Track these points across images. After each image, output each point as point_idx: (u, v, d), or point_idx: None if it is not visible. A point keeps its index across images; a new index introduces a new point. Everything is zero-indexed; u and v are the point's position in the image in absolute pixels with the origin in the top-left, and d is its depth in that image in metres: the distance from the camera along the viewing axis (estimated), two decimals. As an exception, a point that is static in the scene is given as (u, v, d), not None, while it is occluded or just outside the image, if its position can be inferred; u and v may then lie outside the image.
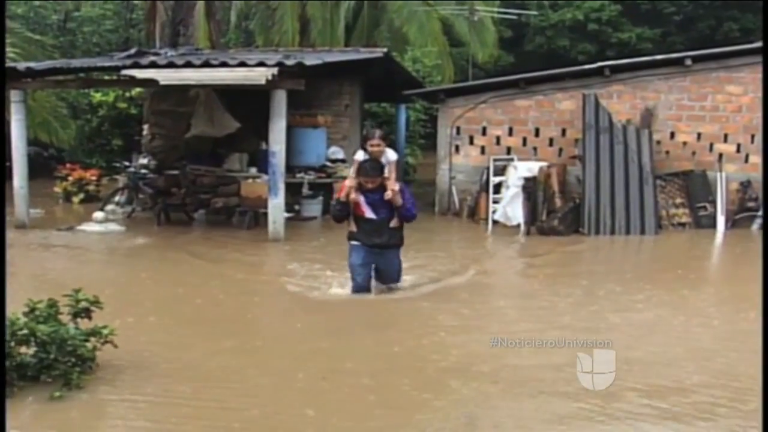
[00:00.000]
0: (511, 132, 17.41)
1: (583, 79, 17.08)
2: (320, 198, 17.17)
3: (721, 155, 16.80)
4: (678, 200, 16.61)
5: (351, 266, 9.65)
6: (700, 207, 16.50)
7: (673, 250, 14.76)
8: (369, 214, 9.41)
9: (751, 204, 16.56)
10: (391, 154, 9.53)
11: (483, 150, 17.38)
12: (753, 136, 16.76)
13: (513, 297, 10.78)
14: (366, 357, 7.38)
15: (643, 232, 15.66)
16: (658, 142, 16.76)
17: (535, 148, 17.31)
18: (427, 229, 15.29)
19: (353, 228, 9.56)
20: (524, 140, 17.37)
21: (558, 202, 16.00)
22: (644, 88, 16.97)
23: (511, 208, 15.75)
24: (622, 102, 16.94)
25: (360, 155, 9.50)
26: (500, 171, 16.50)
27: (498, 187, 16.35)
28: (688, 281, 11.67)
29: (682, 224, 16.47)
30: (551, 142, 17.14)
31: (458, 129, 17.53)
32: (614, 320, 8.83)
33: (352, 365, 7.08)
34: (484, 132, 17.47)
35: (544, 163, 16.40)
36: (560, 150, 17.17)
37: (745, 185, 16.67)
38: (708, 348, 7.87)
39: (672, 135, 16.96)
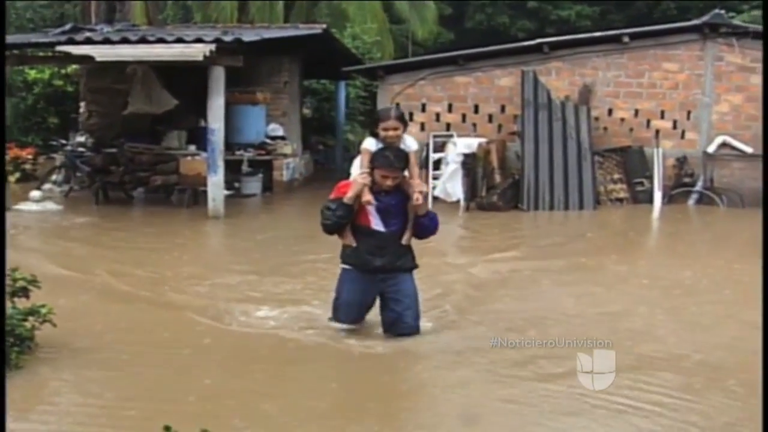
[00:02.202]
0: (450, 108, 17.62)
1: (522, 56, 17.35)
2: (260, 175, 17.23)
3: (657, 131, 17.24)
4: (616, 176, 16.94)
5: (340, 302, 7.16)
6: (638, 182, 16.85)
7: (608, 225, 15.08)
8: (376, 224, 6.81)
9: (686, 179, 17.00)
10: (410, 142, 6.87)
11: (422, 126, 17.53)
12: (689, 113, 17.22)
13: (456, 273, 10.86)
14: None
15: (581, 207, 16.01)
16: (596, 119, 17.08)
17: (474, 125, 17.54)
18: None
19: (348, 241, 6.94)
20: (463, 117, 17.59)
21: (497, 178, 16.26)
22: (582, 65, 17.26)
23: (450, 184, 15.92)
24: (560, 79, 17.22)
25: (370, 143, 6.74)
26: (440, 147, 16.70)
27: (437, 164, 16.54)
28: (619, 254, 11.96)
29: (620, 199, 16.83)
30: (490, 118, 17.37)
31: (398, 105, 17.60)
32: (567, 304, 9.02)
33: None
34: (423, 109, 17.64)
35: (483, 140, 16.63)
36: (499, 126, 17.40)
37: (681, 161, 17.06)
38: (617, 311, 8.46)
39: (610, 111, 17.30)
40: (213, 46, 13.41)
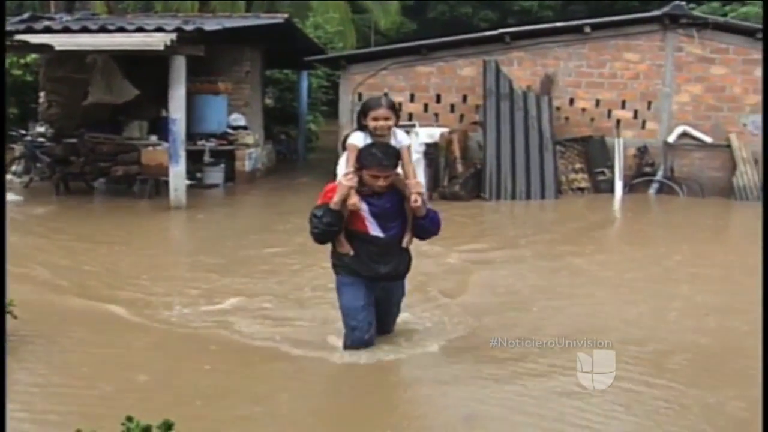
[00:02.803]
0: (412, 98, 17.79)
1: (484, 45, 17.52)
2: (222, 166, 17.24)
3: (618, 121, 17.45)
4: (577, 165, 17.15)
5: (347, 311, 6.44)
6: (599, 172, 17.07)
7: (571, 215, 15.26)
8: (374, 230, 6.20)
9: (647, 169, 17.24)
10: (402, 136, 6.22)
11: (385, 116, 17.51)
12: (650, 103, 17.46)
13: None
14: None
15: (543, 196, 16.21)
16: (558, 109, 17.26)
17: (436, 114, 17.72)
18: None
19: (345, 250, 6.28)
20: (426, 106, 17.77)
21: (459, 167, 16.39)
22: (544, 55, 17.46)
23: (413, 174, 15.92)
24: (522, 69, 17.40)
25: (358, 138, 6.09)
26: (402, 137, 16.64)
27: (400, 154, 16.52)
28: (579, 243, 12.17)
29: (581, 189, 17.04)
30: (452, 108, 17.53)
31: (360, 95, 17.71)
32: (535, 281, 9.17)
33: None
34: (386, 99, 17.63)
35: (445, 129, 16.77)
36: (461, 116, 17.59)
37: (642, 151, 17.30)
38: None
39: (571, 101, 17.51)
40: (174, 36, 13.42)
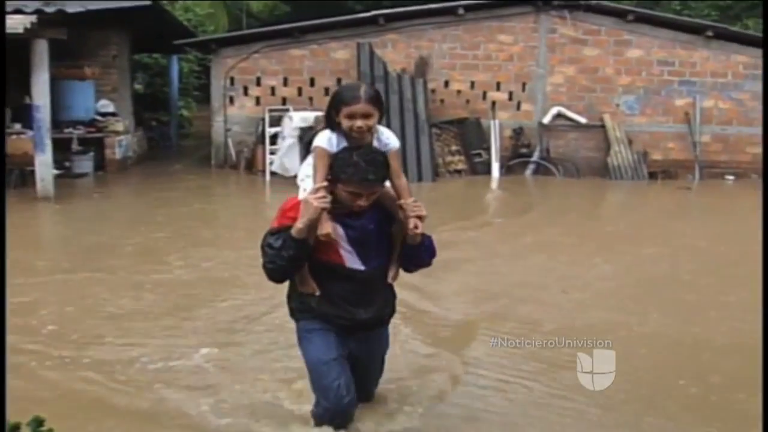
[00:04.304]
0: (286, 82, 17.88)
1: (358, 28, 17.76)
2: (91, 154, 17.02)
3: (494, 103, 17.86)
4: (453, 148, 17.50)
5: (315, 368, 4.71)
6: (475, 154, 17.46)
7: (450, 197, 15.62)
8: (352, 261, 4.59)
9: (523, 150, 17.73)
10: (388, 136, 4.60)
11: (258, 101, 17.77)
12: (524, 85, 17.96)
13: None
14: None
15: (420, 179, 16.48)
16: (433, 91, 17.61)
17: (311, 98, 17.90)
18: (205, 186, 15.60)
19: (310, 289, 4.66)
20: (300, 90, 17.95)
21: (335, 152, 16.44)
22: (418, 38, 17.75)
23: (288, 159, 16.18)
24: (396, 51, 17.67)
25: (328, 140, 4.45)
26: (276, 122, 16.90)
27: (274, 138, 16.65)
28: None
29: (458, 171, 17.42)
30: (327, 91, 17.65)
31: (232, 80, 17.75)
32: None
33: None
34: (258, 82, 17.87)
35: (320, 113, 16.77)
36: (336, 100, 17.57)
37: (518, 132, 17.78)
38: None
39: (446, 83, 17.87)
40: (34, 18, 13.19)
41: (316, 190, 4.32)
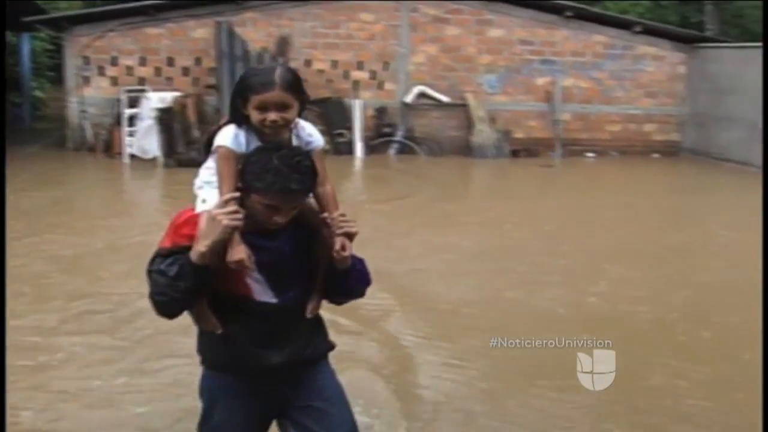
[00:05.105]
0: (143, 62, 17.51)
1: (216, 6, 17.53)
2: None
3: (356, 82, 17.83)
4: (317, 128, 17.31)
5: None
6: (338, 134, 17.45)
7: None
8: (262, 292, 3.45)
9: (386, 130, 17.83)
10: (311, 132, 3.46)
11: (115, 81, 17.34)
12: (386, 64, 18.00)
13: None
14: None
15: (282, 160, 16.25)
16: (295, 70, 17.37)
17: (169, 78, 17.58)
18: (59, 168, 15.24)
19: (209, 327, 3.47)
20: (157, 70, 17.62)
21: (196, 132, 16.30)
22: (279, 16, 17.64)
23: (146, 140, 15.98)
24: (257, 30, 17.51)
25: (233, 138, 3.26)
26: (134, 102, 16.56)
27: (133, 120, 16.35)
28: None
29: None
30: (186, 71, 17.46)
31: (87, 59, 17.29)
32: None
33: None
34: (114, 62, 17.43)
35: (178, 94, 16.62)
36: (196, 79, 17.54)
37: (381, 111, 17.90)
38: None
39: (308, 62, 17.82)
40: None
41: (224, 203, 3.18)
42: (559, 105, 18.63)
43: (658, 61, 19.04)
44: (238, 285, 3.38)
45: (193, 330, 3.47)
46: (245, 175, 3.19)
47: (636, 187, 15.67)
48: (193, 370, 3.70)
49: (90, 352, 6.29)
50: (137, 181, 15.34)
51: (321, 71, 17.86)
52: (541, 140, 18.72)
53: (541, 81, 18.66)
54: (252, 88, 3.24)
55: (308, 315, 3.56)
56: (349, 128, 17.57)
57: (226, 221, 3.11)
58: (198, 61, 17.48)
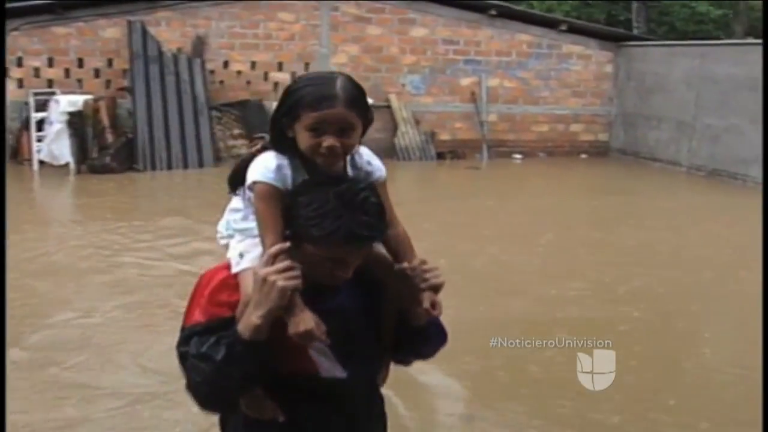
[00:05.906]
0: (51, 63, 16.86)
1: (128, 4, 16.98)
2: None
3: (276, 84, 17.43)
4: (236, 131, 17.10)
5: None
6: (259, 137, 16.93)
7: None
8: (329, 367, 2.68)
9: (309, 132, 17.30)
10: (371, 160, 2.66)
11: (21, 83, 16.64)
12: (307, 65, 17.73)
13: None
14: None
15: (201, 165, 16.08)
16: (212, 72, 17.17)
17: (80, 80, 16.99)
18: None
19: (266, 412, 2.68)
20: (67, 72, 16.99)
21: (109, 137, 15.90)
22: (194, 15, 17.20)
23: (56, 145, 15.46)
24: (171, 29, 17.05)
25: (273, 169, 2.49)
26: (42, 106, 15.95)
27: (41, 124, 15.76)
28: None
29: (241, 155, 16.85)
30: (97, 73, 16.91)
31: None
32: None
33: None
34: (20, 63, 16.72)
35: (90, 96, 16.10)
36: (108, 81, 17.01)
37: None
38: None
39: (226, 64, 17.45)
40: None
41: (272, 258, 2.42)
42: (485, 106, 18.47)
43: (584, 60, 19.02)
44: (301, 361, 2.65)
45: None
46: (296, 219, 2.45)
47: (561, 189, 15.60)
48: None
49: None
50: (47, 190, 14.79)
51: (239, 73, 17.44)
52: (468, 142, 18.53)
53: (465, 81, 18.46)
54: (305, 102, 2.46)
55: (381, 384, 2.97)
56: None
57: (281, 282, 2.39)
58: (110, 62, 16.90)
